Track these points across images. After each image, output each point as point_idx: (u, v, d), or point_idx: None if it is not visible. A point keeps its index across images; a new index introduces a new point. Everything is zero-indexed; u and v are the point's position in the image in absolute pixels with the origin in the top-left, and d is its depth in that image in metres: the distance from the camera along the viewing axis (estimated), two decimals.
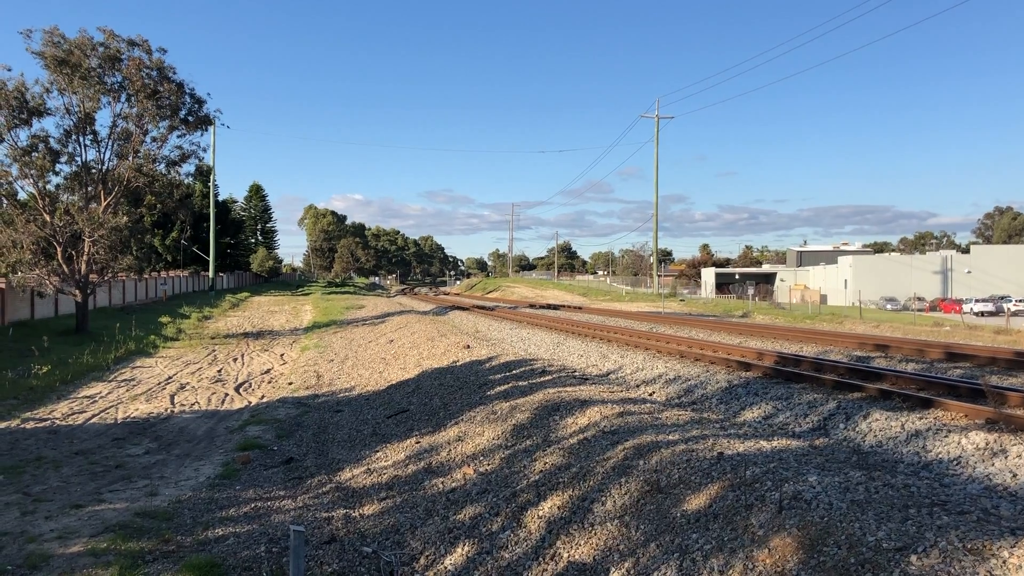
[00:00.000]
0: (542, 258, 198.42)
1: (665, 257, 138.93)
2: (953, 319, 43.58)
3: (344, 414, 16.90)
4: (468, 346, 21.67)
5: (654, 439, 8.52)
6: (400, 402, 16.82)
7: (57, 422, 16.29)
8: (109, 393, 19.97)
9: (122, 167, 33.83)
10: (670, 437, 8.54)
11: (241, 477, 12.02)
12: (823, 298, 73.65)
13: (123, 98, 33.20)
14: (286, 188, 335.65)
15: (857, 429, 9.28)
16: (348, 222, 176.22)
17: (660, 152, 65.09)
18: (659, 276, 78.96)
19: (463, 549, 7.88)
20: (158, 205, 37.86)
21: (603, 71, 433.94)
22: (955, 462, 7.61)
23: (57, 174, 32.73)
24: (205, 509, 10.07)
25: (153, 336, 32.26)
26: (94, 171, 33.35)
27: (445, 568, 7.64)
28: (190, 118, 35.52)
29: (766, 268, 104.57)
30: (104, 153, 33.61)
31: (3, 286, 30.92)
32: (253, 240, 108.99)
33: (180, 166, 36.98)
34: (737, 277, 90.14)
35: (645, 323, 29.50)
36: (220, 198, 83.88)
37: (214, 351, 29.34)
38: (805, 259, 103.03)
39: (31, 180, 31.19)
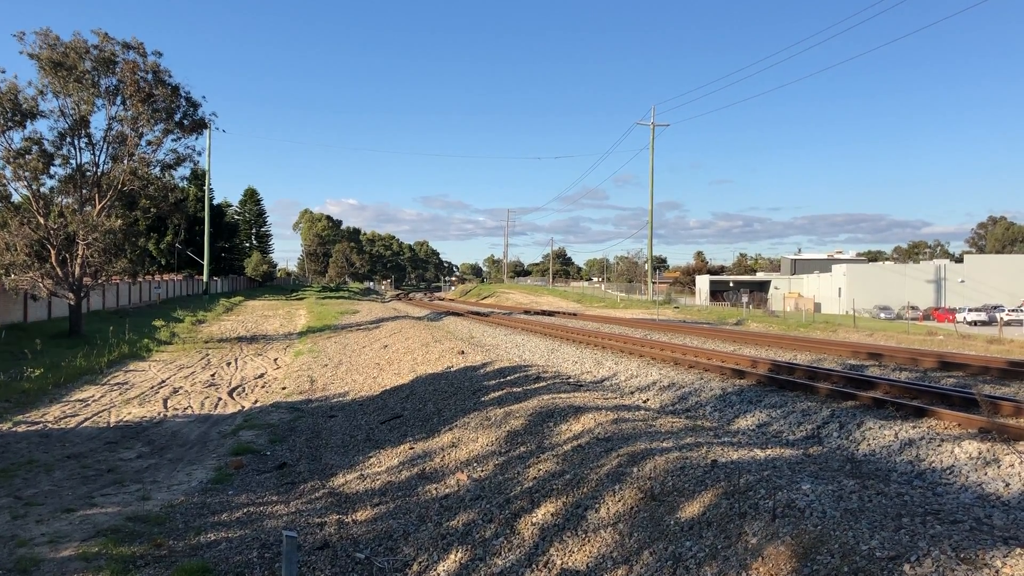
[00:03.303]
0: (537, 264, 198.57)
1: (660, 264, 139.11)
2: (946, 328, 43.74)
3: (338, 419, 16.86)
4: (463, 352, 21.65)
5: (648, 446, 8.52)
6: (394, 408, 16.79)
7: (49, 425, 16.21)
8: (102, 396, 19.89)
9: (117, 170, 33.75)
10: (664, 444, 8.54)
11: (234, 482, 11.97)
12: (817, 306, 73.84)
13: (118, 101, 33.17)
14: (281, 192, 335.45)
15: (851, 438, 9.30)
16: (343, 227, 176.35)
17: (655, 159, 65.27)
18: (654, 283, 79.07)
19: (456, 555, 7.86)
20: (153, 209, 37.76)
21: (600, 78, 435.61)
22: (948, 471, 7.63)
23: (51, 176, 32.68)
24: (197, 514, 10.03)
25: (147, 340, 32.16)
26: (88, 174, 33.26)
27: (438, 574, 7.62)
28: (185, 122, 35.49)
29: (760, 276, 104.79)
30: (99, 156, 33.57)
31: None
32: (248, 244, 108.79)
33: (175, 170, 36.96)
34: (731, 285, 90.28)
35: (640, 330, 29.52)
36: (215, 202, 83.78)
37: (208, 355, 29.25)
38: (799, 267, 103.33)
39: (25, 182, 31.08)
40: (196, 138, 37.27)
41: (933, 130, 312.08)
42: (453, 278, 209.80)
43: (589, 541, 7.12)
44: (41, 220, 30.97)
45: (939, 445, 8.24)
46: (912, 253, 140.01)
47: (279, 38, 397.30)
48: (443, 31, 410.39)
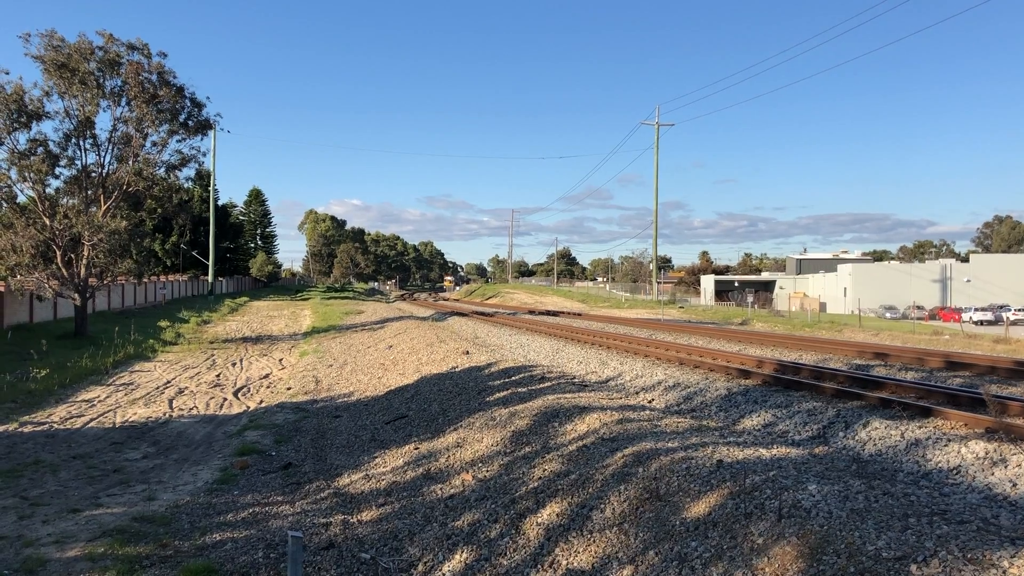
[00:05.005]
0: (541, 264, 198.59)
1: (664, 264, 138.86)
2: (952, 328, 43.58)
3: (343, 420, 16.88)
4: (467, 352, 21.65)
5: (653, 446, 8.50)
6: (399, 408, 16.80)
7: (55, 426, 16.26)
8: (107, 397, 19.94)
9: (122, 171, 33.86)
10: (669, 444, 8.53)
11: (239, 482, 11.99)
12: (822, 306, 73.66)
13: (123, 102, 33.26)
14: (286, 193, 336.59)
15: (857, 438, 9.27)
16: (347, 227, 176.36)
17: (659, 159, 65.24)
18: (658, 283, 78.97)
19: (461, 556, 7.85)
20: (158, 209, 37.90)
21: (604, 78, 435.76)
22: (955, 471, 7.60)
23: (57, 177, 32.81)
24: (203, 514, 10.05)
25: (152, 340, 32.22)
26: (94, 175, 33.38)
27: (443, 575, 7.62)
28: (190, 122, 35.57)
29: (765, 276, 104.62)
30: (104, 157, 33.70)
31: (2, 289, 30.90)
32: (252, 245, 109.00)
33: (180, 170, 37.06)
34: (736, 284, 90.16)
35: (644, 330, 29.47)
36: (220, 202, 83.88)
37: (213, 356, 29.30)
38: (804, 267, 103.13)
39: (30, 183, 31.19)
40: (201, 139, 37.36)
41: (938, 129, 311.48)
42: (449, 279, 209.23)
43: (594, 541, 7.11)
44: (47, 221, 31.06)
45: (946, 445, 8.21)
46: (917, 253, 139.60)
47: (283, 39, 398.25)
48: (447, 31, 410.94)
